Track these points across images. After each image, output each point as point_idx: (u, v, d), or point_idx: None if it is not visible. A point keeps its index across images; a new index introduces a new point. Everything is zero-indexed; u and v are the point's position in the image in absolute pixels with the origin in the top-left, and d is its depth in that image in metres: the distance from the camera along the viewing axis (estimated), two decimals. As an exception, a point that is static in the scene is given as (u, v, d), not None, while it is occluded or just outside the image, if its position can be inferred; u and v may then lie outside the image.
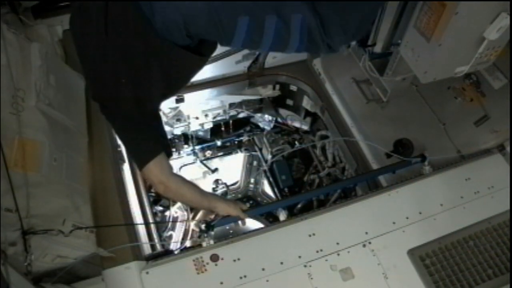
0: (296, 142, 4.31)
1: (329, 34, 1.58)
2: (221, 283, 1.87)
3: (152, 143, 1.88)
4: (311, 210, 2.31)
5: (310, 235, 2.04)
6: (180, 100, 3.57)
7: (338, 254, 1.99)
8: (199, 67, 1.81)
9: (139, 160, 1.87)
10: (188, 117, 3.94)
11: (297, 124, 4.29)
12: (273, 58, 3.63)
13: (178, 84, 1.89)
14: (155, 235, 2.82)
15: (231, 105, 4.09)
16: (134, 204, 2.65)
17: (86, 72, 1.82)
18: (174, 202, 3.76)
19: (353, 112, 3.41)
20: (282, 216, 4.05)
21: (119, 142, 2.80)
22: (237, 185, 4.60)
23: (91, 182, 2.08)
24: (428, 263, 1.99)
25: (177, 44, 1.59)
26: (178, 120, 3.90)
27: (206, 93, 3.73)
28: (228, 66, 3.52)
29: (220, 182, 4.44)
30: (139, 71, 1.64)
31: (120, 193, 2.18)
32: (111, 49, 1.58)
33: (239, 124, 4.44)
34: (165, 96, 2.00)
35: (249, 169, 4.61)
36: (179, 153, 4.25)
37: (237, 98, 4.03)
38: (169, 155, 1.97)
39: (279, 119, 4.33)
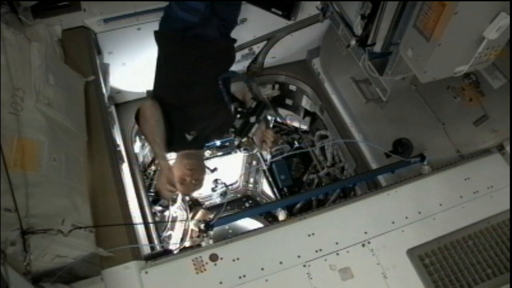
0: (295, 142, 4.31)
1: None
2: (221, 282, 1.87)
3: None
4: (310, 210, 2.31)
5: (309, 235, 2.04)
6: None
7: (338, 254, 1.99)
8: None
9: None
10: (187, 116, 3.93)
11: (296, 124, 4.29)
12: (272, 58, 3.62)
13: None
14: (154, 235, 2.82)
15: (230, 105, 4.08)
16: (133, 203, 2.65)
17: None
18: (174, 202, 3.76)
19: (352, 112, 3.41)
20: (281, 216, 4.05)
21: (118, 142, 2.80)
22: (236, 184, 4.61)
23: (90, 182, 2.08)
24: (428, 263, 1.99)
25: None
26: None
27: (206, 92, 3.72)
28: (227, 66, 3.51)
29: (219, 181, 4.44)
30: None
31: (119, 193, 2.17)
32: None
33: (238, 124, 4.43)
34: None
35: (248, 168, 4.61)
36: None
37: (236, 98, 4.02)
38: None
39: (278, 119, 4.33)
